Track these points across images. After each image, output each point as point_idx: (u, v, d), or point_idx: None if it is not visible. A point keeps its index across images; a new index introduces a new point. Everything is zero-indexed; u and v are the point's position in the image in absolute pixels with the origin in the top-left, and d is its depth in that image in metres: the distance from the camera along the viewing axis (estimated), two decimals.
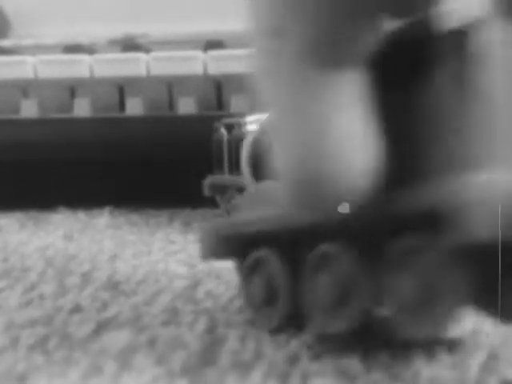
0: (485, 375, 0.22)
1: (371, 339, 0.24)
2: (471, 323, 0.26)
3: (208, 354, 0.25)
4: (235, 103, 0.58)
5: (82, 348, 0.26)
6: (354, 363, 0.23)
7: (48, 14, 0.83)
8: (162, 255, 0.41)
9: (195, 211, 0.55)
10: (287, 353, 0.24)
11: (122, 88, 0.60)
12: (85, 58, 0.59)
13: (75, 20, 0.81)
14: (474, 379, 0.21)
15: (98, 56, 0.59)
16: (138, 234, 0.48)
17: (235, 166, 0.49)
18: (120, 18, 0.81)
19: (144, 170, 0.57)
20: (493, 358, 0.23)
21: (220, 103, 0.60)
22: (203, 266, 0.37)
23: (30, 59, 0.59)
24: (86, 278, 0.36)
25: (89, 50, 0.63)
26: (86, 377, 0.23)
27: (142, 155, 0.58)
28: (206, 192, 0.51)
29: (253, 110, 0.55)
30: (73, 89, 0.60)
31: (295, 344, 0.25)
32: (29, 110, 0.59)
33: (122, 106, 0.61)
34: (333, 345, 0.24)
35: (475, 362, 0.23)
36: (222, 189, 0.51)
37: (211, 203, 0.52)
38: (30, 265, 0.39)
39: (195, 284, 0.34)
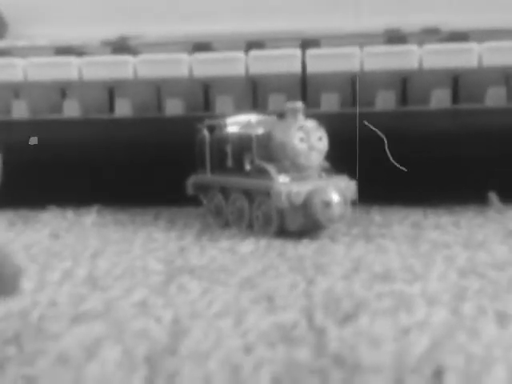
0: (422, 363, 0.23)
1: None
2: (421, 313, 0.28)
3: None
4: (220, 104, 0.59)
5: (53, 340, 0.27)
6: None
7: (44, 14, 0.85)
8: (142, 252, 0.42)
9: (180, 209, 0.56)
10: None
11: (111, 90, 0.62)
12: (74, 60, 0.60)
13: (71, 21, 0.82)
14: (411, 366, 0.23)
15: (86, 58, 0.60)
16: (122, 232, 0.49)
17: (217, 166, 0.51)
18: (115, 19, 0.82)
19: (131, 170, 0.59)
20: (435, 346, 0.24)
21: (207, 104, 0.62)
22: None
23: (20, 62, 0.61)
24: (66, 274, 0.38)
25: (80, 52, 0.64)
26: (53, 366, 0.25)
27: (130, 155, 0.59)
28: (190, 191, 0.53)
29: (237, 111, 0.56)
30: (63, 90, 0.62)
31: None
32: (19, 111, 0.61)
33: (111, 107, 0.62)
34: None
35: (416, 350, 0.24)
36: (204, 188, 0.52)
37: (195, 202, 0.54)
38: None
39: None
